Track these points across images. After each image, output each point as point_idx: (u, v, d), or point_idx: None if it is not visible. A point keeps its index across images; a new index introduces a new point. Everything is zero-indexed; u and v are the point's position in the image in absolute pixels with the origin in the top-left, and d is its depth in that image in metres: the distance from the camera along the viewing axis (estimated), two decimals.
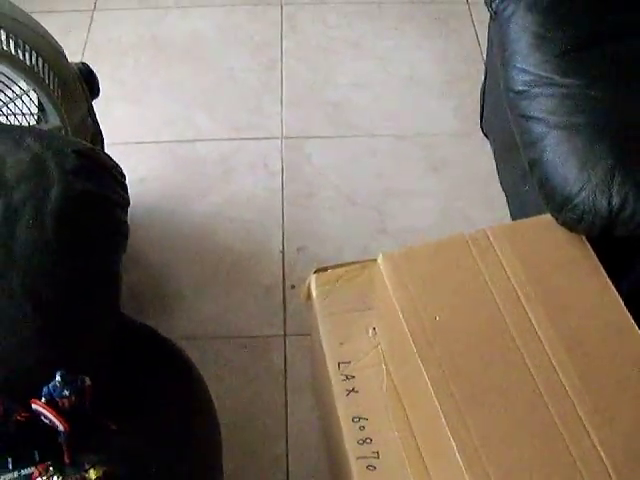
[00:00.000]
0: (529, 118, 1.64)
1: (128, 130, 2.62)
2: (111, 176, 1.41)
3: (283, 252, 2.28)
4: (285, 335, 2.12)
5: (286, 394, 2.02)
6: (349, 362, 1.54)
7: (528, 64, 1.69)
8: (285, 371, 2.05)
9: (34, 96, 1.76)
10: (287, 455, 1.92)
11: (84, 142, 1.45)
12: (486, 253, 1.47)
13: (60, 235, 1.27)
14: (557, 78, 1.64)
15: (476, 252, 1.47)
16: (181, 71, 2.81)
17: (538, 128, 1.61)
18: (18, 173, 1.31)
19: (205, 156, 2.54)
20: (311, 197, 2.41)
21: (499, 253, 1.47)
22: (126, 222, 1.40)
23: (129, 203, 1.43)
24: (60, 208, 1.28)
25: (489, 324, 1.38)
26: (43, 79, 1.75)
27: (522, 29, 1.73)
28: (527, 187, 1.92)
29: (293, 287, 2.20)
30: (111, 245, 1.36)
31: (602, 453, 1.23)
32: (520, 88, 1.68)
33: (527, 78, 1.67)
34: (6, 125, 1.62)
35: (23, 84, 1.74)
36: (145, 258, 2.29)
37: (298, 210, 2.38)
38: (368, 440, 1.45)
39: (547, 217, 1.55)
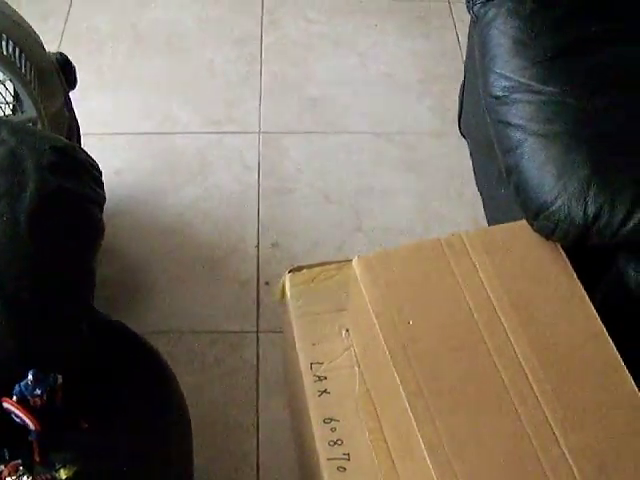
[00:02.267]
0: (507, 124, 1.65)
1: (104, 120, 2.60)
2: (87, 173, 1.41)
3: (258, 248, 2.28)
4: (258, 331, 2.12)
5: (257, 390, 2.01)
6: (322, 363, 1.54)
7: (508, 70, 1.69)
8: (257, 367, 2.05)
9: (10, 85, 1.74)
10: (257, 451, 1.92)
11: (61, 137, 1.44)
12: (461, 258, 1.47)
13: (34, 232, 1.26)
14: (536, 85, 1.64)
15: (451, 256, 1.48)
16: (160, 62, 2.79)
17: (516, 134, 1.62)
18: None
19: (182, 149, 2.53)
20: (287, 193, 2.41)
21: (474, 258, 1.48)
22: (101, 219, 1.40)
23: (105, 200, 1.43)
24: (35, 205, 1.28)
25: (462, 329, 1.38)
26: (20, 69, 1.73)
27: (503, 34, 1.73)
28: (503, 190, 1.93)
29: (267, 283, 2.20)
30: (86, 243, 1.36)
31: (571, 461, 1.24)
32: (499, 93, 1.69)
33: (506, 84, 1.68)
34: None
35: None
36: (118, 250, 2.28)
37: (274, 206, 2.38)
38: (339, 442, 1.45)
39: (522, 223, 1.56)
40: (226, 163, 2.49)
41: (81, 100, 2.09)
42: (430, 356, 1.34)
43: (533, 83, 1.65)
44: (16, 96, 1.75)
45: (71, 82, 1.99)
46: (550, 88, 1.63)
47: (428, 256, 1.49)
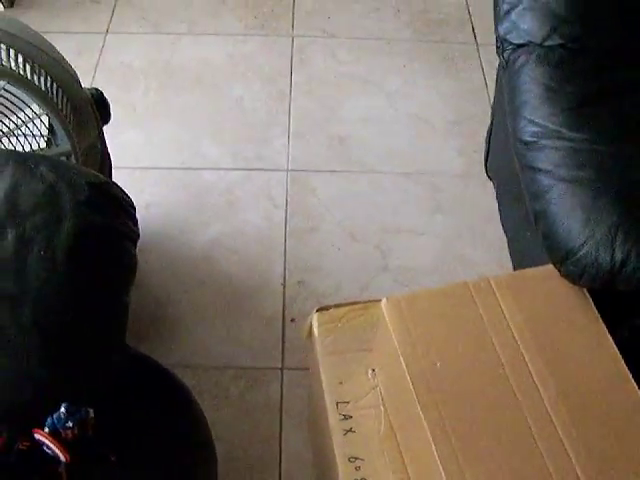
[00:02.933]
0: (536, 169, 1.66)
1: (135, 155, 2.64)
2: (122, 209, 1.43)
3: (284, 285, 2.30)
4: (283, 368, 2.13)
5: (281, 427, 2.03)
6: (348, 402, 1.55)
7: (537, 116, 1.71)
8: (281, 404, 2.06)
9: (45, 119, 1.77)
10: None
11: (97, 173, 1.46)
12: (488, 301, 1.48)
13: (70, 268, 1.28)
14: (565, 131, 1.66)
15: (478, 300, 1.48)
16: (191, 98, 2.83)
17: (544, 180, 1.63)
18: (32, 203, 1.33)
19: (210, 185, 2.56)
20: (314, 231, 2.43)
21: (501, 302, 1.48)
22: (135, 255, 1.42)
23: (139, 236, 1.45)
24: (72, 241, 1.30)
25: (488, 372, 1.39)
26: (56, 104, 1.76)
27: (532, 81, 1.75)
28: (529, 233, 1.94)
29: (293, 320, 2.22)
30: (120, 278, 1.38)
31: None
32: (528, 139, 1.70)
33: (535, 129, 1.69)
34: (21, 152, 1.64)
35: (36, 107, 1.75)
36: (145, 283, 2.30)
37: (300, 244, 2.40)
38: None
39: (549, 267, 1.57)
40: (254, 200, 2.51)
41: (113, 134, 2.13)
42: (456, 399, 1.35)
43: (562, 129, 1.66)
44: (51, 129, 1.78)
45: (105, 117, 2.02)
46: (579, 135, 1.64)
47: (456, 299, 1.49)
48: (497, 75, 2.20)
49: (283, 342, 2.18)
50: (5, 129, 1.73)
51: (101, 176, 1.45)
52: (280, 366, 2.13)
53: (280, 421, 2.04)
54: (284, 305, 2.25)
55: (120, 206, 1.42)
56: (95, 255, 1.33)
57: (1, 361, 1.21)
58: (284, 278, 2.31)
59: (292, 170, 2.60)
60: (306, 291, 2.28)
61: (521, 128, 1.73)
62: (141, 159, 2.62)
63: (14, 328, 1.22)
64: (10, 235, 1.28)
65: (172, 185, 2.56)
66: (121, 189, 1.46)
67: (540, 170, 1.65)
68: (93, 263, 1.33)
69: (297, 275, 2.32)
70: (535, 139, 1.69)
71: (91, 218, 1.34)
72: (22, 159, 1.42)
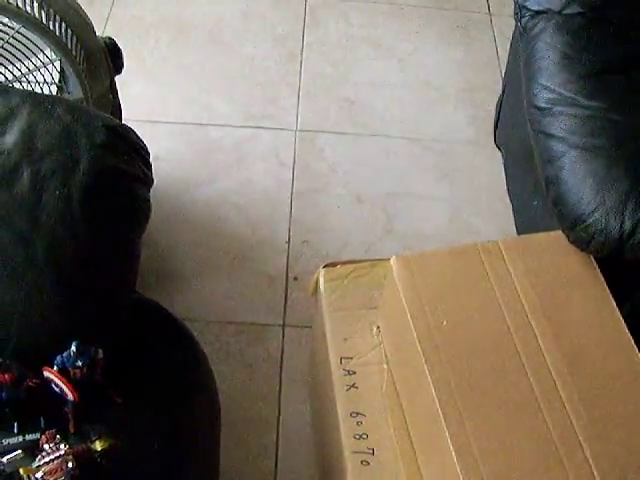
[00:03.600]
0: (549, 135, 1.66)
1: (143, 108, 2.63)
2: (138, 153, 1.43)
3: (288, 244, 2.30)
4: (284, 325, 2.14)
5: (280, 383, 2.04)
6: (351, 358, 1.56)
7: (553, 82, 1.70)
8: (281, 361, 2.07)
9: (57, 66, 1.76)
10: (277, 444, 1.94)
11: (113, 117, 1.46)
12: (496, 263, 1.49)
13: (86, 208, 1.28)
14: (580, 99, 1.66)
15: (487, 261, 1.49)
16: (201, 54, 2.82)
17: (558, 146, 1.63)
18: (48, 143, 1.32)
19: (218, 141, 2.56)
20: (320, 192, 2.43)
21: (509, 265, 1.49)
22: (149, 200, 1.42)
23: (153, 182, 1.45)
24: (87, 181, 1.30)
25: (494, 333, 1.40)
26: (70, 50, 1.75)
27: (550, 48, 1.75)
28: (536, 202, 1.94)
29: (296, 279, 2.22)
30: (134, 222, 1.38)
31: (593, 468, 1.25)
32: (543, 105, 1.70)
33: (551, 96, 1.69)
34: (38, 93, 1.64)
35: (50, 53, 1.74)
36: (149, 237, 2.30)
37: (306, 203, 2.40)
38: (364, 436, 1.47)
39: (558, 234, 1.57)
40: (261, 158, 2.51)
41: (122, 87, 2.11)
42: (462, 357, 1.36)
43: (578, 97, 1.66)
44: (62, 77, 1.77)
45: (118, 67, 2.02)
46: (594, 103, 1.65)
47: (464, 260, 1.50)
48: (511, 42, 2.20)
49: (285, 300, 2.19)
50: (17, 73, 1.73)
51: (117, 120, 1.45)
52: (281, 323, 2.14)
53: (280, 378, 2.05)
54: (287, 263, 2.26)
55: (135, 150, 1.42)
56: (110, 197, 1.33)
57: (14, 297, 1.21)
58: (289, 237, 2.32)
59: (301, 130, 2.60)
60: (310, 250, 2.28)
61: (536, 94, 1.73)
62: (150, 113, 2.61)
63: (27, 265, 1.22)
64: (26, 174, 1.28)
65: (180, 140, 2.55)
66: (137, 134, 1.46)
67: (553, 136, 1.65)
68: (108, 205, 1.33)
69: (301, 234, 2.32)
70: (550, 105, 1.69)
71: (107, 160, 1.34)
72: (38, 100, 1.42)
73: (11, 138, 1.32)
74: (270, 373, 2.06)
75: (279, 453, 1.93)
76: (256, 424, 1.98)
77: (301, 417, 1.98)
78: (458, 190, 2.47)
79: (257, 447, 1.94)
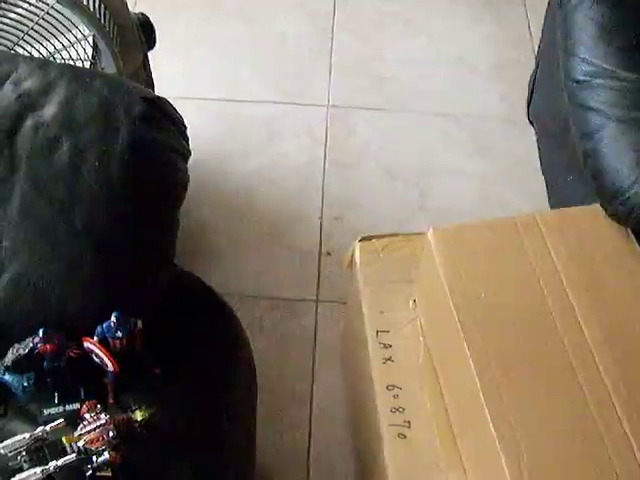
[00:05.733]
0: (588, 108, 1.65)
1: (176, 84, 2.62)
2: (175, 125, 1.43)
3: (321, 219, 2.30)
4: (317, 300, 2.14)
5: (314, 358, 2.04)
6: (388, 331, 1.56)
7: (592, 55, 1.69)
8: (315, 336, 2.08)
9: (90, 42, 1.77)
10: (310, 419, 1.95)
11: (150, 90, 1.46)
12: (534, 236, 1.48)
13: (124, 179, 1.29)
14: (620, 72, 1.64)
15: (524, 235, 1.48)
16: (233, 31, 2.82)
17: (596, 119, 1.62)
18: (87, 115, 1.33)
19: (251, 117, 2.55)
20: (352, 168, 2.43)
21: (546, 238, 1.48)
22: (187, 172, 1.42)
23: (190, 154, 1.46)
24: (126, 152, 1.30)
25: (532, 306, 1.39)
26: (103, 26, 1.76)
27: (589, 20, 1.73)
28: (570, 177, 1.93)
29: (329, 254, 2.22)
30: (172, 194, 1.38)
31: (633, 443, 1.24)
32: (581, 78, 1.68)
33: (589, 69, 1.67)
34: (76, 67, 1.64)
35: (84, 29, 1.75)
36: (183, 212, 2.30)
37: (338, 179, 2.40)
38: (401, 409, 1.47)
39: (596, 207, 1.56)
40: (294, 134, 2.51)
41: (154, 63, 2.12)
42: (500, 330, 1.35)
43: (617, 69, 1.64)
44: (95, 53, 1.77)
45: (150, 43, 2.02)
46: (634, 75, 1.62)
47: (502, 233, 1.49)
48: (546, 16, 2.18)
49: (318, 275, 2.19)
50: (51, 49, 1.73)
51: (154, 93, 1.45)
52: (315, 298, 2.14)
53: (313, 353, 2.05)
54: (321, 239, 2.26)
55: (173, 123, 1.42)
56: (149, 169, 1.34)
57: (54, 268, 1.22)
58: (321, 212, 2.32)
59: (333, 106, 2.59)
60: (343, 226, 2.28)
61: (574, 67, 1.71)
62: (182, 89, 2.61)
63: (67, 236, 1.23)
64: (65, 146, 1.29)
65: (212, 116, 2.55)
66: (173, 107, 1.46)
67: (592, 109, 1.64)
68: (146, 176, 1.33)
69: (334, 210, 2.32)
70: (588, 78, 1.67)
71: (145, 132, 1.34)
72: (76, 73, 1.43)
73: (50, 110, 1.33)
74: (303, 348, 2.06)
75: (312, 427, 1.94)
76: (289, 398, 1.98)
77: (334, 392, 1.98)
78: (490, 166, 2.46)
79: (290, 421, 1.95)
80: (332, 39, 2.81)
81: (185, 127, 1.47)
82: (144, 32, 1.99)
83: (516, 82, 2.67)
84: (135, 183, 1.30)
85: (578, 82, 1.69)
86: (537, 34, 2.43)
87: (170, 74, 2.64)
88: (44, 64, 1.43)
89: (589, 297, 1.40)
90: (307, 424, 1.94)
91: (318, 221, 2.30)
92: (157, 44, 2.07)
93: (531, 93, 2.38)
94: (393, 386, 1.50)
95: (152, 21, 2.00)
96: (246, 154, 2.45)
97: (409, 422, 1.46)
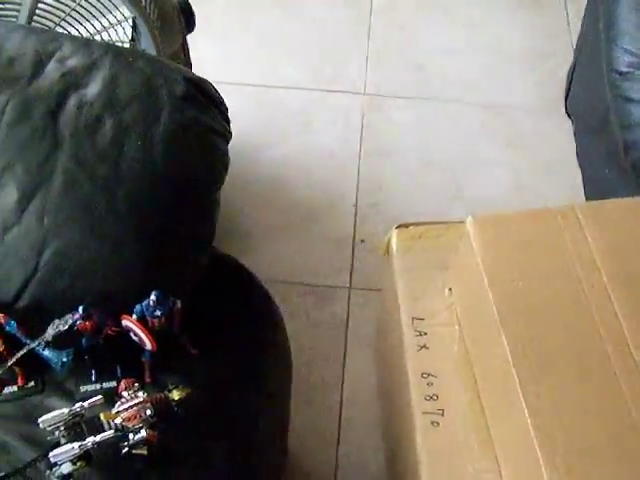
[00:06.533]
0: (630, 100, 1.64)
1: (211, 69, 2.60)
2: (216, 107, 1.43)
3: (356, 206, 2.30)
4: (350, 287, 2.14)
5: (346, 345, 2.04)
6: (423, 319, 1.55)
7: (635, 46, 1.68)
8: (347, 323, 2.08)
9: (130, 23, 1.77)
10: (341, 405, 1.95)
11: (191, 71, 1.46)
12: (572, 228, 1.47)
13: (166, 158, 1.29)
14: None
15: (563, 225, 1.47)
16: (270, 16, 2.81)
17: (638, 111, 1.61)
18: (130, 94, 1.33)
19: (286, 104, 2.55)
20: (388, 156, 2.42)
21: (585, 229, 1.47)
22: (228, 154, 1.43)
23: (231, 136, 1.46)
24: (169, 132, 1.30)
25: (570, 297, 1.38)
26: (144, 7, 1.76)
27: (632, 10, 1.72)
28: (608, 170, 1.92)
29: (363, 241, 2.22)
30: (213, 175, 1.38)
31: None
32: (624, 69, 1.67)
33: (633, 59, 1.67)
34: (119, 47, 1.64)
35: (125, 10, 1.75)
36: None
37: (374, 167, 2.40)
38: (435, 397, 1.47)
39: (636, 200, 1.54)
40: (329, 121, 2.51)
41: (190, 46, 2.11)
42: (537, 320, 1.34)
43: None
44: (135, 35, 1.78)
45: (190, 26, 2.02)
46: None
47: (540, 222, 1.48)
48: (587, 6, 2.17)
49: (352, 262, 2.18)
50: (92, 30, 1.74)
51: (195, 74, 1.46)
52: (348, 285, 2.14)
53: (345, 340, 2.05)
54: (355, 226, 2.25)
55: (214, 104, 1.43)
56: (190, 148, 1.34)
57: (95, 246, 1.22)
58: (356, 200, 2.31)
59: (369, 94, 2.59)
60: (377, 214, 2.28)
61: (617, 58, 1.71)
62: (217, 73, 2.58)
63: (109, 214, 1.23)
64: (108, 124, 1.29)
65: (247, 102, 2.55)
66: (215, 88, 1.46)
67: (634, 101, 1.63)
68: (188, 156, 1.33)
69: (369, 198, 2.32)
70: (631, 69, 1.66)
71: (187, 112, 1.34)
72: (120, 52, 1.43)
73: (94, 89, 1.33)
74: (335, 335, 2.06)
75: (343, 414, 1.94)
76: (320, 385, 1.99)
77: (366, 378, 1.98)
78: (526, 157, 2.45)
79: (321, 408, 1.95)
80: (369, 26, 2.80)
81: (226, 109, 1.47)
82: (184, 15, 1.99)
83: (553, 73, 2.66)
84: (177, 163, 1.31)
85: (620, 73, 1.68)
86: (575, 25, 2.42)
87: (206, 58, 2.64)
88: (88, 43, 1.44)
89: (627, 290, 1.39)
90: (337, 410, 1.94)
91: (352, 208, 2.29)
92: (195, 27, 2.07)
93: (569, 85, 2.37)
94: (427, 374, 1.49)
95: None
96: (281, 140, 2.45)
97: (442, 410, 1.45)
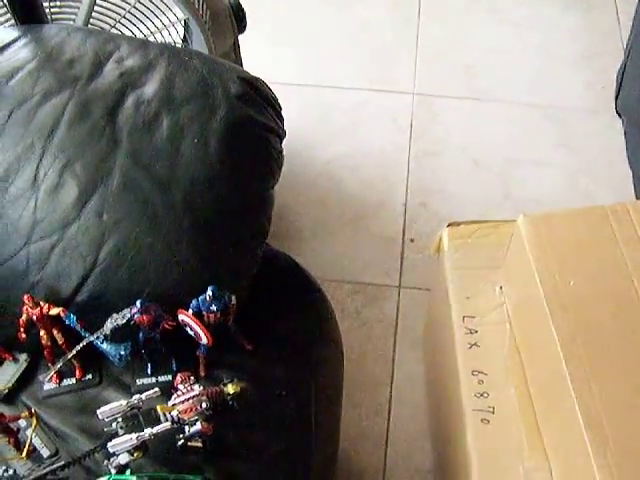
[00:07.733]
0: None
1: (260, 69, 2.61)
2: (271, 106, 1.45)
3: (405, 206, 2.30)
4: (400, 286, 2.14)
5: (395, 344, 2.05)
6: (474, 317, 1.56)
7: None
8: (396, 322, 2.08)
9: (183, 24, 1.79)
10: (390, 404, 1.95)
11: (246, 70, 1.48)
12: (625, 226, 1.46)
13: (222, 156, 1.31)
14: None
15: (615, 224, 1.47)
16: (318, 17, 2.83)
17: None
18: (186, 93, 1.36)
19: (335, 104, 2.57)
20: (437, 156, 2.43)
21: (637, 227, 1.46)
22: (282, 152, 1.44)
23: (285, 134, 1.47)
24: (224, 130, 1.32)
25: (622, 295, 1.37)
26: (197, 9, 1.78)
27: None
28: None
29: (412, 240, 2.23)
30: (268, 173, 1.40)
31: None
32: None
33: None
34: (174, 47, 1.67)
35: (178, 12, 1.77)
36: None
37: (423, 167, 2.40)
38: (485, 394, 1.47)
39: None
40: (378, 121, 2.52)
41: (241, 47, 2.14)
42: (589, 318, 1.34)
43: None
44: (187, 36, 1.80)
45: (241, 26, 2.04)
46: None
47: (592, 221, 1.48)
48: (638, 5, 2.15)
49: (402, 261, 2.19)
50: (146, 31, 1.76)
51: (250, 73, 1.47)
52: (397, 284, 2.15)
53: (394, 339, 2.06)
54: (404, 225, 2.26)
55: (269, 103, 1.44)
56: (246, 146, 1.36)
57: (153, 242, 1.24)
58: (405, 199, 2.32)
59: (418, 94, 2.59)
60: (427, 213, 2.28)
61: None
62: (266, 74, 2.61)
63: (166, 210, 1.25)
64: (165, 122, 1.32)
65: (296, 102, 2.57)
66: (269, 87, 1.48)
67: None
68: (243, 154, 1.35)
69: (418, 197, 2.32)
70: None
71: (243, 111, 1.36)
72: (175, 52, 1.45)
73: (151, 88, 1.35)
74: (385, 333, 2.07)
75: (392, 412, 1.95)
76: (370, 383, 1.99)
77: (415, 378, 1.98)
78: (576, 157, 2.44)
79: (370, 406, 1.96)
80: (418, 26, 2.81)
81: (280, 107, 1.49)
82: (235, 16, 2.01)
83: (603, 72, 2.65)
84: (233, 161, 1.32)
85: None
86: (626, 24, 2.41)
87: (255, 58, 2.65)
88: (144, 43, 1.46)
89: None
90: (386, 408, 1.95)
91: (402, 207, 2.30)
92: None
93: (620, 84, 2.36)
94: (478, 372, 1.50)
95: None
96: (330, 140, 2.47)
97: (493, 408, 1.46)
